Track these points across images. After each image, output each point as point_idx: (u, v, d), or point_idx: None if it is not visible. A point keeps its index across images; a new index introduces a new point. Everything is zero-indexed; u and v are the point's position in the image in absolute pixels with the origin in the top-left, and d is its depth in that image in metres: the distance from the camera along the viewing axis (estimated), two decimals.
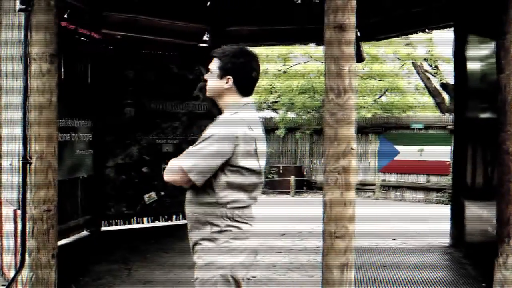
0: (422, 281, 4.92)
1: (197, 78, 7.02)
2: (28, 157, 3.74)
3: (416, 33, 10.33)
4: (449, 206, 7.18)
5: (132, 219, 6.80)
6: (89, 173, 6.12)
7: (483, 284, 4.69)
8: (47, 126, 3.69)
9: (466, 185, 6.11)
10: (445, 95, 15.83)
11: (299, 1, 6.99)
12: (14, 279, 3.98)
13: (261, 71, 2.57)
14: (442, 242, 6.64)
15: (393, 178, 14.56)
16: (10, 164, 4.51)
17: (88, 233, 6.22)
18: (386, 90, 16.84)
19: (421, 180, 14.12)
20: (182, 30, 7.45)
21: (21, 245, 3.84)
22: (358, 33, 6.89)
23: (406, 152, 14.22)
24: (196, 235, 2.34)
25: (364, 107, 14.72)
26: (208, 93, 2.47)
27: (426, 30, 8.24)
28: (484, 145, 5.23)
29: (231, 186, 2.28)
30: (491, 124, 4.50)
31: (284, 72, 16.86)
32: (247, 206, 2.35)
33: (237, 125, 2.28)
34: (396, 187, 14.37)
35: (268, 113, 18.22)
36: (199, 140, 2.30)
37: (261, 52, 14.60)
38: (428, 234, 7.32)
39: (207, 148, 2.25)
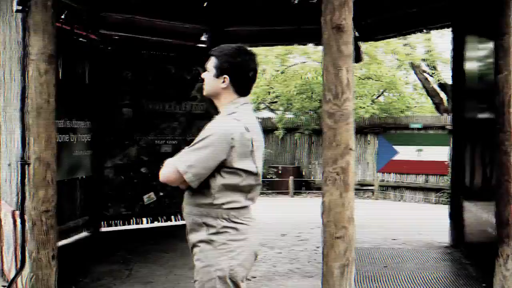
0: (423, 281, 4.92)
1: (195, 79, 7.02)
2: (26, 158, 3.73)
3: (414, 34, 10.35)
4: (448, 206, 7.18)
5: (131, 220, 6.80)
6: (87, 174, 6.11)
7: (484, 284, 4.69)
8: (46, 127, 3.68)
9: (465, 186, 6.11)
10: (443, 95, 15.83)
11: (296, 1, 6.98)
12: (14, 279, 3.97)
13: (259, 71, 2.53)
14: (441, 242, 6.64)
15: (391, 178, 14.55)
16: (8, 165, 4.49)
17: (87, 234, 6.21)
18: (384, 91, 16.83)
19: (420, 180, 14.10)
20: (180, 31, 7.44)
21: (21, 246, 3.84)
22: (357, 33, 6.92)
23: (405, 152, 14.20)
24: (194, 237, 2.33)
25: (362, 108, 14.71)
26: (205, 93, 2.44)
27: (424, 31, 8.27)
28: (483, 146, 5.23)
29: (227, 187, 2.26)
30: (490, 125, 4.50)
31: (282, 72, 16.84)
32: (244, 207, 2.32)
33: (233, 126, 2.25)
34: (395, 187, 14.36)
35: (266, 114, 18.19)
36: (196, 140, 2.28)
37: (259, 52, 14.58)
38: (427, 234, 7.31)
39: (203, 149, 2.23)
